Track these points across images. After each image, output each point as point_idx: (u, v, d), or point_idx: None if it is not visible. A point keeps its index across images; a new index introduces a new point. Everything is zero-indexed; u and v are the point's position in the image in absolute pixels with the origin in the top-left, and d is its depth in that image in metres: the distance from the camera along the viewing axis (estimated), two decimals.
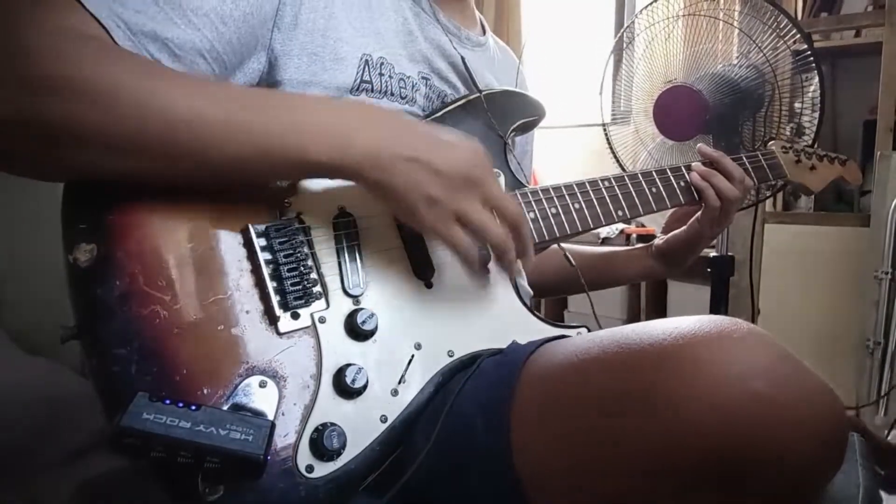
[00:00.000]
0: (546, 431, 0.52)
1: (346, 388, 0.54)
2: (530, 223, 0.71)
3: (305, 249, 0.58)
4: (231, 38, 0.59)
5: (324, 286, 0.58)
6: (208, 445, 0.45)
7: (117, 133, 0.49)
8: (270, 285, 0.55)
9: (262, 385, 0.52)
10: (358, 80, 0.68)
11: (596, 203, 0.77)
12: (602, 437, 0.48)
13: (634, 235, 2.21)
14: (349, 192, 0.62)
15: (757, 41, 1.13)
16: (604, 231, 2.18)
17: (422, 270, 0.64)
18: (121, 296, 0.50)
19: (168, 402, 0.46)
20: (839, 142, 2.12)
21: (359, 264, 0.61)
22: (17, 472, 1.23)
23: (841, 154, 1.09)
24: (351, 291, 0.59)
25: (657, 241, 0.97)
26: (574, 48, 2.80)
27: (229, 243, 0.56)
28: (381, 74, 0.69)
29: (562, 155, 2.44)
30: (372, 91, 0.69)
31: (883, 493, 0.63)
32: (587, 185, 0.77)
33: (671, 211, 0.95)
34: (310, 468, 0.52)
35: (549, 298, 2.33)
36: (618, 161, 1.26)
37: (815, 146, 1.12)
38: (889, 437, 1.37)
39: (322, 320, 0.57)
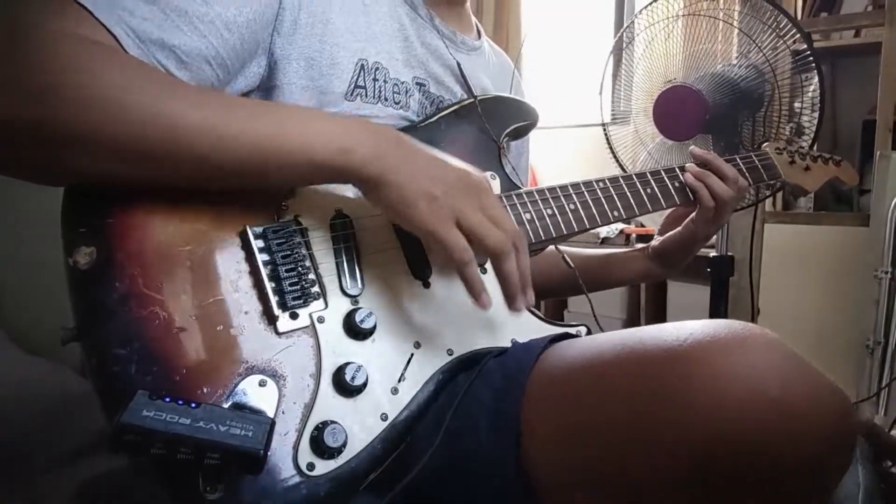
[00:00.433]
0: (558, 431, 0.52)
1: (346, 386, 0.55)
2: (527, 225, 0.72)
3: (303, 251, 0.59)
4: (235, 44, 0.61)
5: (322, 286, 0.58)
6: (208, 441, 0.45)
7: (125, 139, 0.50)
8: (269, 286, 0.56)
9: (262, 384, 0.52)
10: (352, 86, 0.69)
11: (591, 204, 0.77)
12: (616, 437, 0.48)
13: (634, 235, 2.21)
14: (346, 195, 0.63)
15: (757, 41, 1.13)
16: (603, 231, 2.18)
17: (419, 270, 0.64)
18: (120, 297, 0.50)
19: (168, 399, 0.46)
20: (839, 141, 2.12)
21: (356, 265, 0.61)
22: (17, 472, 1.23)
23: (836, 155, 1.09)
24: (349, 291, 0.60)
25: (653, 243, 0.97)
26: (574, 48, 2.80)
27: (227, 245, 0.56)
28: (374, 80, 0.70)
29: (562, 155, 2.44)
30: (366, 96, 0.70)
31: None
32: (582, 186, 0.78)
33: (668, 212, 0.95)
34: (311, 466, 0.52)
35: (547, 299, 2.33)
36: (617, 161, 1.26)
37: (814, 147, 1.12)
38: None
39: (321, 320, 0.57)
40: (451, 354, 0.62)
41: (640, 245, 1.06)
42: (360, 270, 0.61)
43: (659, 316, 2.24)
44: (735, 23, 1.16)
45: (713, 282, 1.23)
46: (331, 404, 0.55)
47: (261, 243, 0.57)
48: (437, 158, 0.59)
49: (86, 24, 0.52)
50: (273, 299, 0.55)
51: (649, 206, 0.82)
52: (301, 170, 0.55)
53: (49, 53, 0.48)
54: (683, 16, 1.18)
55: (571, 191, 0.77)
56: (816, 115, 1.15)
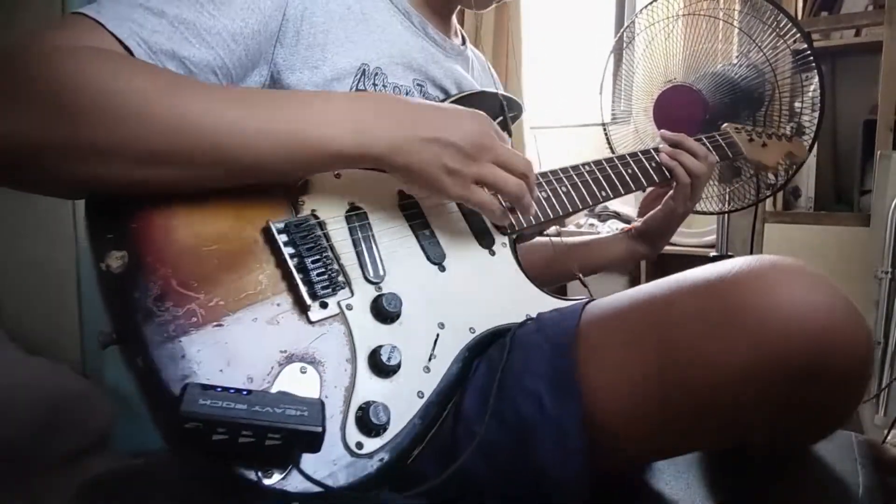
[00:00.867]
0: (621, 375, 0.56)
1: (382, 367, 0.57)
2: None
3: (324, 242, 0.61)
4: (241, 55, 0.63)
5: (346, 276, 0.61)
6: (268, 423, 0.46)
7: (149, 145, 0.51)
8: (298, 277, 0.58)
9: (303, 371, 0.54)
10: (354, 90, 0.71)
11: (581, 185, 0.84)
12: (686, 360, 0.52)
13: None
14: (357, 188, 0.66)
15: (757, 40, 1.13)
16: (604, 230, 2.19)
17: (434, 256, 0.67)
18: (157, 297, 0.52)
19: (220, 389, 0.47)
20: (839, 141, 2.12)
21: (376, 254, 0.64)
22: (17, 472, 1.23)
23: (787, 132, 1.14)
24: (372, 279, 0.62)
25: (635, 224, 1.03)
26: (574, 48, 2.80)
27: (252, 242, 0.58)
28: (374, 84, 0.73)
29: (562, 154, 2.44)
30: None
31: None
32: (570, 170, 0.84)
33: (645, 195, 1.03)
34: (359, 445, 0.54)
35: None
36: None
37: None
38: (889, 437, 1.37)
39: (349, 307, 0.59)
40: (473, 332, 0.65)
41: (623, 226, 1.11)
42: (380, 258, 0.64)
43: None
44: (735, 22, 1.16)
45: None
46: (370, 385, 0.57)
47: (284, 237, 0.59)
48: (443, 116, 0.63)
49: (100, 36, 0.54)
50: (303, 290, 0.57)
51: (633, 185, 0.90)
52: (322, 161, 0.58)
53: (69, 68, 0.49)
54: (684, 15, 1.18)
55: (562, 175, 0.83)
56: (817, 114, 1.15)
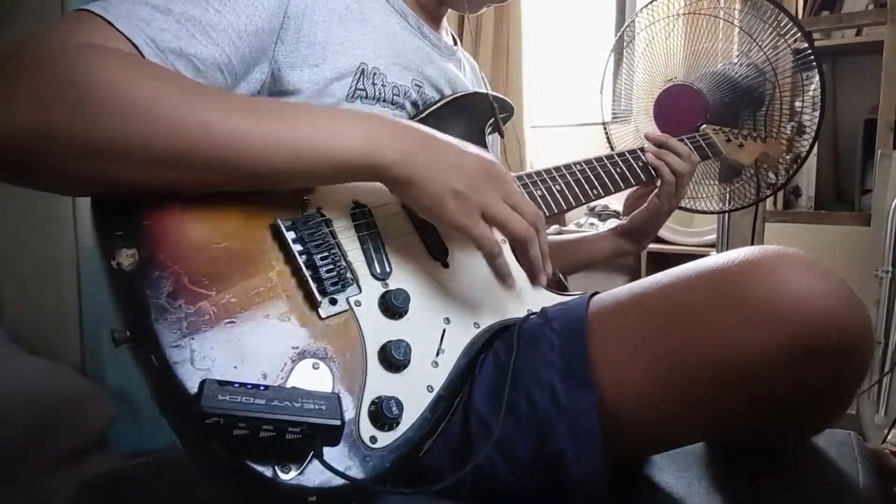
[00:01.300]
0: (636, 357, 0.57)
1: (392, 362, 0.58)
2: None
3: (331, 239, 0.62)
4: (245, 52, 0.63)
5: (353, 272, 0.61)
6: (288, 418, 0.47)
7: (156, 147, 0.51)
8: (307, 273, 0.58)
9: (315, 367, 0.55)
10: (353, 88, 0.71)
11: (573, 184, 0.86)
12: (702, 337, 0.54)
13: None
14: (361, 186, 0.66)
15: (757, 40, 1.13)
16: (604, 229, 2.18)
17: (437, 253, 0.68)
18: (170, 294, 0.52)
19: (237, 384, 0.48)
20: (840, 140, 2.12)
21: (382, 250, 0.65)
22: (17, 472, 1.23)
23: (762, 133, 1.16)
24: (378, 275, 0.63)
25: (621, 222, 1.06)
26: (574, 47, 2.80)
27: (260, 239, 0.59)
28: (373, 84, 0.73)
29: (562, 154, 2.44)
30: (366, 97, 0.73)
31: None
32: (563, 168, 0.87)
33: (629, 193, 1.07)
34: (373, 439, 0.55)
35: None
36: None
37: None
38: (889, 437, 1.37)
39: (357, 303, 0.60)
40: (477, 327, 0.66)
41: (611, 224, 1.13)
42: (386, 255, 0.65)
43: None
44: (736, 21, 1.16)
45: None
46: (381, 380, 0.57)
47: (293, 235, 0.59)
48: (456, 147, 0.62)
49: (109, 35, 0.54)
50: (313, 286, 0.58)
51: (621, 184, 0.93)
52: (329, 173, 0.58)
53: (78, 66, 0.49)
54: (684, 14, 1.18)
55: (555, 173, 0.85)
56: (817, 114, 1.15)
